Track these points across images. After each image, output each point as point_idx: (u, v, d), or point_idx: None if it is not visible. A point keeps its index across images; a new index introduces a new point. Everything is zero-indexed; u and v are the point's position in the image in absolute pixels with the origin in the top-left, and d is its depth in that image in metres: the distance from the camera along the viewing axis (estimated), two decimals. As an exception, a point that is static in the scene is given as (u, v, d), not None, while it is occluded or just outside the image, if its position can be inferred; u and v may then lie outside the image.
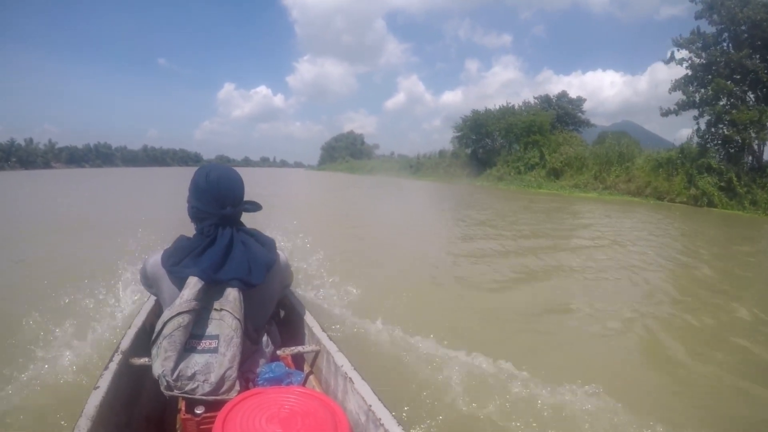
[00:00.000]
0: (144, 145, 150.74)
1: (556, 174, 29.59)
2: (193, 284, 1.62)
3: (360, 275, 5.14)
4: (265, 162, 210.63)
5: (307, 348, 2.16)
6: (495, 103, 38.05)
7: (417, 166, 46.97)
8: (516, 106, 37.83)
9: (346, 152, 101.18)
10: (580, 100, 40.70)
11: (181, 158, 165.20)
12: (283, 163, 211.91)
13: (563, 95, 40.60)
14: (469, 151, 39.07)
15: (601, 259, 7.28)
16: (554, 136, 33.58)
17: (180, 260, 1.70)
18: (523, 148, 32.98)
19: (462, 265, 6.60)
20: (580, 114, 39.04)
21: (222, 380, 1.57)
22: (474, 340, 3.51)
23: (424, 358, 3.15)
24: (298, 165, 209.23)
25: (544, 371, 3.00)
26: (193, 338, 1.61)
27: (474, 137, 37.57)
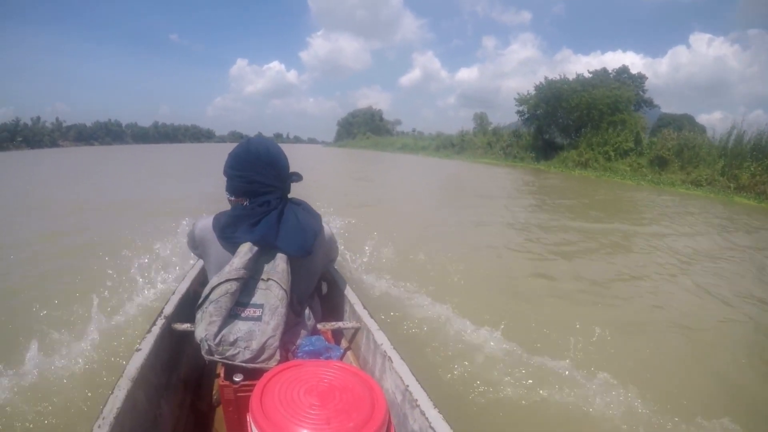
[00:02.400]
0: (155, 121, 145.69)
1: (660, 164, 23.38)
2: (244, 252, 1.66)
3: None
4: (278, 138, 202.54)
5: (347, 324, 2.17)
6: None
7: (461, 145, 40.50)
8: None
9: (364, 128, 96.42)
10: (641, 78, 34.77)
11: (193, 135, 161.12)
12: (297, 140, 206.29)
13: (623, 70, 34.49)
14: (532, 128, 32.33)
15: None
16: (637, 117, 27.65)
17: (236, 228, 1.72)
18: (607, 129, 26.69)
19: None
20: (641, 93, 33.45)
21: (263, 348, 1.59)
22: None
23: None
24: (312, 141, 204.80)
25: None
26: (238, 306, 1.64)
27: (543, 112, 30.53)
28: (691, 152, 22.65)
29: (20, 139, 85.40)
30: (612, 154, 25.36)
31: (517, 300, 4.44)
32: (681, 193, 17.76)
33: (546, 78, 30.48)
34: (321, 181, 14.49)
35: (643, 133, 25.95)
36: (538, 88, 30.61)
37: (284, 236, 1.73)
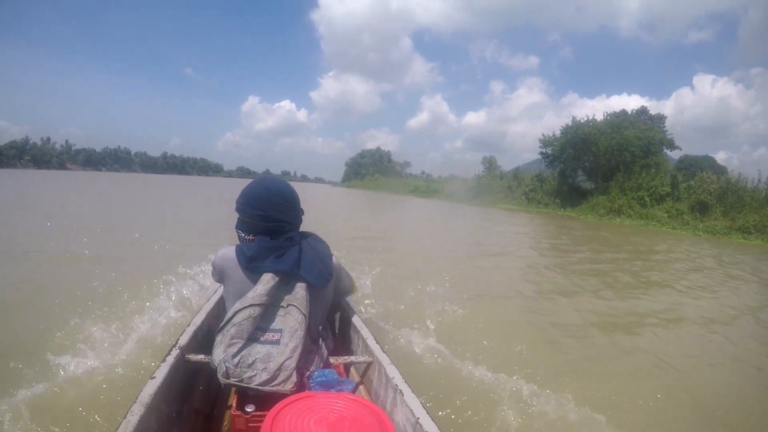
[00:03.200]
0: (164, 152, 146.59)
1: (701, 209, 21.30)
2: (267, 281, 1.73)
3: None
4: (285, 176, 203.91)
5: (360, 358, 2.18)
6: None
7: (477, 189, 38.48)
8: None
9: (372, 169, 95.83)
10: (660, 118, 32.98)
11: (201, 168, 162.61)
12: (304, 178, 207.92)
13: (643, 111, 32.57)
14: (556, 171, 30.42)
15: None
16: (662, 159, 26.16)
17: (264, 260, 1.77)
18: (639, 173, 24.73)
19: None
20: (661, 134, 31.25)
21: (279, 369, 1.61)
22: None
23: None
24: (318, 180, 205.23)
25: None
26: (258, 330, 1.68)
27: (569, 156, 28.73)
28: (734, 197, 20.70)
29: (28, 158, 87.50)
30: (647, 199, 23.30)
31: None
32: (731, 243, 15.74)
33: (573, 119, 28.85)
34: (333, 227, 12.36)
35: (679, 177, 23.99)
36: (565, 129, 28.89)
37: (306, 266, 1.81)
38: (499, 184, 36.48)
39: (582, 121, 28.55)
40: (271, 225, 1.85)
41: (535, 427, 2.69)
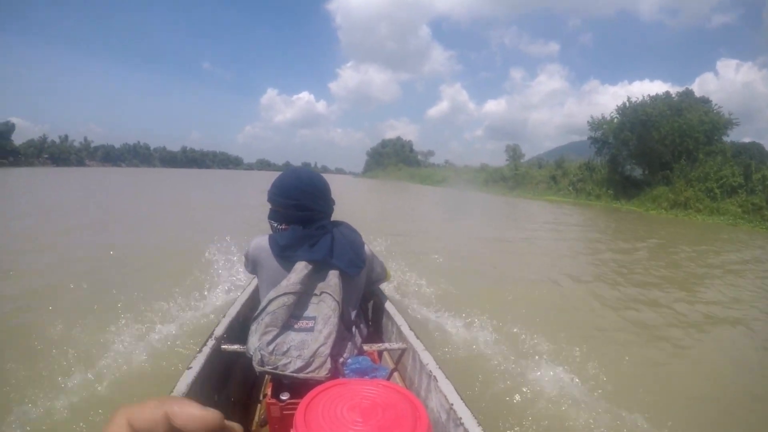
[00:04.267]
0: (183, 146, 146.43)
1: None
2: (300, 269, 1.73)
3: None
4: (305, 167, 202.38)
5: (393, 345, 2.19)
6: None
7: (515, 179, 35.99)
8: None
9: (395, 159, 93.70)
10: (706, 101, 27.52)
11: (221, 161, 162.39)
12: (324, 169, 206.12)
13: (688, 93, 27.75)
14: (606, 158, 27.54)
15: None
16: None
17: (297, 249, 1.79)
18: (704, 161, 22.06)
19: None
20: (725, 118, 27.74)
21: (314, 356, 1.61)
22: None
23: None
24: (339, 171, 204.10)
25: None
26: (292, 318, 1.69)
27: (621, 141, 25.68)
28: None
29: (46, 156, 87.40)
30: (717, 191, 20.69)
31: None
32: None
33: (628, 99, 25.83)
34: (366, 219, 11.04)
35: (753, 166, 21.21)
36: (621, 110, 25.90)
37: (339, 254, 1.82)
38: (540, 174, 33.76)
39: (638, 101, 25.46)
40: (304, 214, 1.87)
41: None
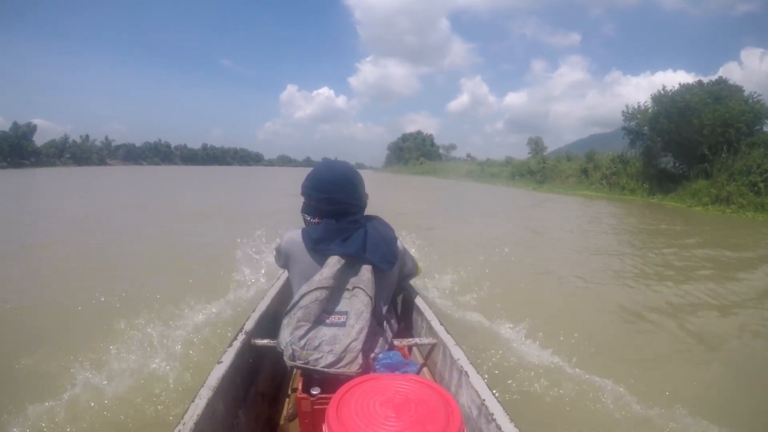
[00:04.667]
0: (203, 143, 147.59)
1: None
2: (333, 264, 1.72)
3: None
4: (339, 161, 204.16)
5: (424, 340, 2.18)
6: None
7: (543, 173, 35.17)
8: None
9: (416, 153, 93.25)
10: (738, 89, 24.50)
11: (242, 157, 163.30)
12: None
13: (720, 81, 24.95)
14: (639, 149, 26.30)
15: None
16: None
17: (330, 242, 1.79)
18: (747, 153, 20.95)
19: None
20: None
21: (345, 351, 1.60)
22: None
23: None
24: (359, 166, 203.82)
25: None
26: (324, 313, 1.68)
27: (658, 131, 24.24)
28: None
29: (68, 155, 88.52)
30: (761, 186, 19.66)
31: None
32: None
33: (663, 87, 24.53)
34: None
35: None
36: (657, 98, 24.54)
37: (372, 249, 1.80)
38: (569, 167, 32.70)
39: (674, 89, 24.08)
40: (336, 208, 1.87)
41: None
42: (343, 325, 1.66)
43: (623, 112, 26.37)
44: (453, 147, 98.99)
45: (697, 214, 18.11)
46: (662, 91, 24.42)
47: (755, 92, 23.24)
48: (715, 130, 21.83)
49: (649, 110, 25.02)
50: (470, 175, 46.96)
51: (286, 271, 2.08)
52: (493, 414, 1.43)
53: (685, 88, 23.80)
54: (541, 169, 35.38)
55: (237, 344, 1.84)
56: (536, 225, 12.79)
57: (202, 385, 1.51)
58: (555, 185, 31.35)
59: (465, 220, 13.27)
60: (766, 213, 18.07)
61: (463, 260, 6.25)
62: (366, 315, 1.67)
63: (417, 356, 2.44)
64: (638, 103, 26.16)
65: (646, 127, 24.99)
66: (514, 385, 3.03)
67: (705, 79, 24.57)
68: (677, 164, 24.91)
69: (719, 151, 21.78)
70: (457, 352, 1.88)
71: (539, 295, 5.48)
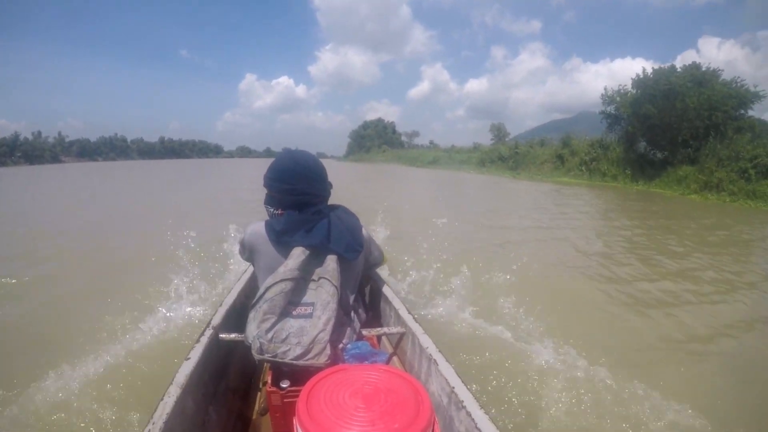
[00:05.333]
0: (161, 136, 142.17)
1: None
2: (297, 255, 1.73)
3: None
4: (302, 150, 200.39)
5: (392, 329, 2.17)
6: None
7: (515, 159, 33.75)
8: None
9: (378, 141, 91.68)
10: (715, 73, 22.44)
11: (201, 150, 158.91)
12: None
13: (694, 67, 22.77)
14: (618, 135, 25.08)
15: None
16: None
17: (293, 234, 1.78)
18: (733, 138, 19.97)
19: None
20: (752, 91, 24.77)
21: (313, 343, 1.59)
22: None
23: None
24: (320, 156, 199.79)
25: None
26: (290, 304, 1.67)
27: (639, 115, 22.72)
28: None
29: (19, 154, 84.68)
30: (752, 172, 18.69)
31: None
32: None
33: (644, 69, 23.15)
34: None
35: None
36: (638, 81, 23.15)
37: (336, 239, 1.80)
38: (544, 153, 31.31)
39: (660, 69, 22.76)
40: (299, 198, 1.85)
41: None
42: (309, 316, 1.64)
43: (602, 95, 25.10)
44: (416, 134, 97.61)
45: (699, 204, 16.81)
46: (641, 74, 23.19)
47: (738, 77, 22.26)
48: (701, 114, 20.78)
49: (629, 94, 23.79)
50: (437, 162, 45.47)
51: (251, 264, 2.08)
52: (463, 401, 1.44)
53: (667, 71, 22.59)
54: (513, 155, 34.06)
55: (204, 340, 1.82)
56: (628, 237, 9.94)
57: (171, 383, 1.48)
58: (530, 172, 30.03)
59: (496, 231, 11.18)
60: (759, 201, 17.10)
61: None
62: (332, 305, 1.66)
63: (386, 345, 2.42)
64: (619, 85, 24.71)
65: (629, 111, 23.62)
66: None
67: (664, 66, 23.31)
68: (652, 150, 23.84)
69: (701, 137, 20.83)
70: (426, 341, 1.89)
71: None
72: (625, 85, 24.28)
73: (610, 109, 24.87)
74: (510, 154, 34.53)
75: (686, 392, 3.07)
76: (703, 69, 22.31)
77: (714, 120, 20.65)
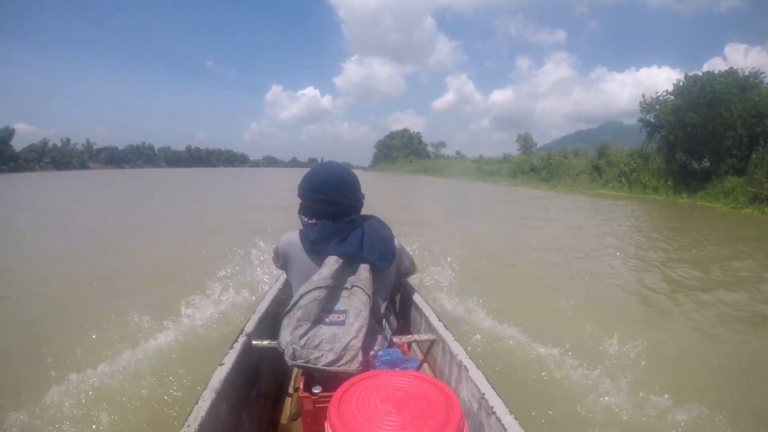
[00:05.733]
0: (188, 145, 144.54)
1: None
2: (331, 263, 1.75)
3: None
4: (312, 163, 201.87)
5: (423, 336, 2.21)
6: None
7: (549, 170, 32.96)
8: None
9: (404, 151, 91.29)
10: (758, 77, 21.22)
11: (227, 159, 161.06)
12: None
13: (731, 73, 21.72)
14: (656, 144, 24.00)
15: None
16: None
17: (327, 243, 1.81)
18: None
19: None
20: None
21: (345, 349, 1.60)
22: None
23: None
24: (346, 166, 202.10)
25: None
26: (323, 312, 1.69)
27: (681, 124, 21.47)
28: None
29: (47, 160, 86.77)
30: (805, 184, 17.57)
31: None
32: None
33: (685, 75, 22.19)
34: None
35: None
36: (682, 87, 22.01)
37: (369, 248, 1.82)
38: (579, 164, 30.41)
39: (702, 75, 21.71)
40: (333, 209, 1.88)
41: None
42: (342, 323, 1.66)
43: (640, 102, 24.14)
44: (443, 144, 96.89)
45: (760, 220, 15.72)
46: (682, 81, 22.21)
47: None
48: (748, 121, 19.80)
49: (668, 101, 22.84)
50: (466, 173, 44.71)
51: (285, 272, 2.11)
52: (493, 407, 1.44)
53: (707, 78, 21.62)
54: (546, 165, 33.20)
55: (238, 346, 1.84)
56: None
57: (205, 388, 1.50)
58: (564, 183, 29.21)
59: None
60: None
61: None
62: (365, 313, 1.67)
63: (417, 353, 2.43)
64: (656, 93, 23.77)
65: (670, 119, 22.58)
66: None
67: (680, 76, 22.34)
68: (689, 159, 22.78)
69: (745, 145, 19.80)
70: (456, 348, 1.90)
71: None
72: (665, 92, 23.29)
73: (649, 117, 23.88)
74: (542, 164, 33.64)
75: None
76: (741, 75, 21.35)
77: (763, 127, 19.61)
